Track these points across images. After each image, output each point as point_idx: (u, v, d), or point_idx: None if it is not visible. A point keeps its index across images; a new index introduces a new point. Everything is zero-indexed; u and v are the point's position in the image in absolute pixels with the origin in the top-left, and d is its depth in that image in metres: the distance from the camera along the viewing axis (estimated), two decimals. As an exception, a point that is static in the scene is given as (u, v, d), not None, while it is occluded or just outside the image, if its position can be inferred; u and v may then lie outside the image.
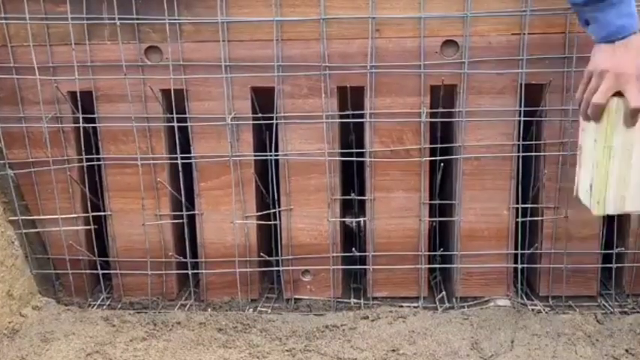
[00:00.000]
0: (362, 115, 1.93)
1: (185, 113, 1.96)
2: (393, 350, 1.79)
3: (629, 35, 1.55)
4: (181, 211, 2.03)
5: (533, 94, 1.90)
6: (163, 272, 2.07)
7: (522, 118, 1.89)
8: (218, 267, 2.05)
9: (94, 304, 2.10)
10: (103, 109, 1.97)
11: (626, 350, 1.77)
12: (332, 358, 1.78)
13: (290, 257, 2.04)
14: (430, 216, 2.02)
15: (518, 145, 1.91)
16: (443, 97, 1.89)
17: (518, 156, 1.92)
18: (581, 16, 1.62)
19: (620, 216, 1.86)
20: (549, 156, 1.93)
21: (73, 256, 2.07)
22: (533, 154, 1.95)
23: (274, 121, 1.95)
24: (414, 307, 2.01)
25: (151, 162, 1.99)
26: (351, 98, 1.91)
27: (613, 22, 1.55)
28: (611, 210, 1.63)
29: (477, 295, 2.04)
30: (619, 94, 1.56)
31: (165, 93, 1.96)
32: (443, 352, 1.78)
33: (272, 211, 2.02)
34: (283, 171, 1.98)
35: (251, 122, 1.96)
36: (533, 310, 1.98)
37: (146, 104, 1.96)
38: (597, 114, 1.58)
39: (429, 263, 2.06)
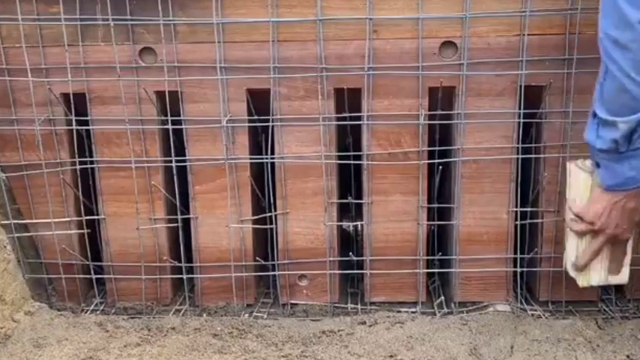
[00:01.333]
0: (359, 118, 1.91)
1: (180, 115, 1.94)
2: (391, 356, 1.77)
3: (637, 188, 1.58)
4: (176, 214, 2.01)
5: (532, 96, 1.88)
6: (158, 277, 2.05)
7: (522, 120, 1.88)
8: (213, 271, 2.03)
9: (88, 310, 2.08)
10: (97, 111, 1.95)
11: (628, 356, 1.75)
12: (329, 364, 1.76)
13: (286, 262, 2.02)
14: (428, 220, 2.00)
15: (518, 147, 1.89)
16: (441, 99, 1.88)
17: (518, 159, 1.90)
18: (594, 157, 1.63)
19: None
20: (549, 159, 1.91)
21: (66, 260, 2.05)
22: (532, 156, 1.93)
23: (270, 124, 1.93)
24: (412, 312, 2.00)
25: (145, 165, 1.97)
26: (348, 100, 1.89)
27: (624, 173, 1.57)
28: (595, 282, 1.78)
29: (476, 300, 2.02)
30: None
31: (160, 95, 1.94)
32: (441, 358, 1.76)
33: (268, 214, 2.00)
34: (279, 174, 1.96)
35: (247, 125, 1.94)
36: (533, 315, 1.96)
37: (140, 106, 1.94)
38: (581, 268, 1.75)
39: (428, 268, 2.03)
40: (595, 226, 1.66)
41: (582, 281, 1.78)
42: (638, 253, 1.90)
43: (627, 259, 1.75)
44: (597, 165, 1.62)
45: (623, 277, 1.79)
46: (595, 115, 1.57)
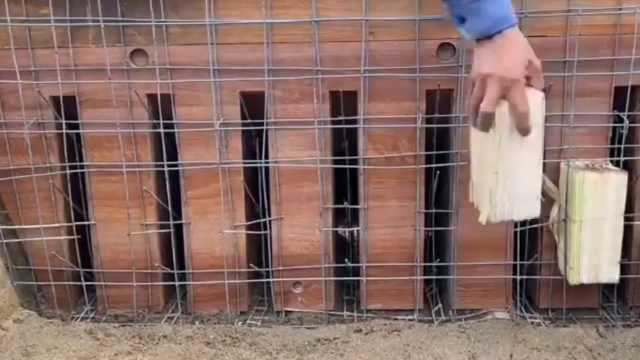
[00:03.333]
0: (355, 121, 1.89)
1: (172, 119, 1.92)
2: (388, 365, 1.75)
3: (509, 28, 1.48)
4: (168, 220, 1.98)
5: None
6: (149, 284, 2.02)
7: None
8: (206, 278, 2.01)
9: (78, 317, 2.05)
10: (87, 114, 1.92)
11: (629, 365, 1.73)
12: (324, 373, 1.73)
13: (280, 268, 1.99)
14: (426, 225, 1.97)
15: None
16: (439, 102, 1.85)
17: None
18: (456, 11, 1.52)
19: (624, 227, 1.82)
20: (549, 163, 1.88)
21: (56, 267, 2.02)
22: None
23: (264, 127, 1.90)
24: (409, 319, 1.97)
25: (137, 169, 1.94)
26: (344, 103, 1.87)
27: (494, 12, 1.47)
28: (585, 279, 1.81)
29: (475, 307, 1.99)
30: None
31: (152, 98, 1.91)
32: (439, 367, 1.73)
33: (262, 220, 1.98)
34: (273, 179, 1.94)
35: (240, 128, 1.92)
36: (532, 323, 1.94)
37: (131, 109, 1.91)
38: (487, 124, 1.53)
39: (425, 274, 2.01)
40: (482, 73, 1.51)
41: (572, 277, 1.81)
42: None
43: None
44: (462, 20, 1.52)
45: (614, 276, 1.82)
46: None
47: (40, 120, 1.93)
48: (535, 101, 1.52)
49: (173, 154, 1.94)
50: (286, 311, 2.03)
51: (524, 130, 1.51)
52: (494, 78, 1.49)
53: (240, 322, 2.00)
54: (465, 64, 1.81)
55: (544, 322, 1.95)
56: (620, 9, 1.78)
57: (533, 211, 1.62)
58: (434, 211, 1.98)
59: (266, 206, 1.96)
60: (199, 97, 1.89)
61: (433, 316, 2.00)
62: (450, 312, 2.00)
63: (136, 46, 1.88)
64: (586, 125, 1.85)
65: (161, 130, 1.91)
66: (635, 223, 1.91)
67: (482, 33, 1.50)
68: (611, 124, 1.86)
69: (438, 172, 1.89)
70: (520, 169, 1.57)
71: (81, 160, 1.96)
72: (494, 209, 1.60)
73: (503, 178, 1.56)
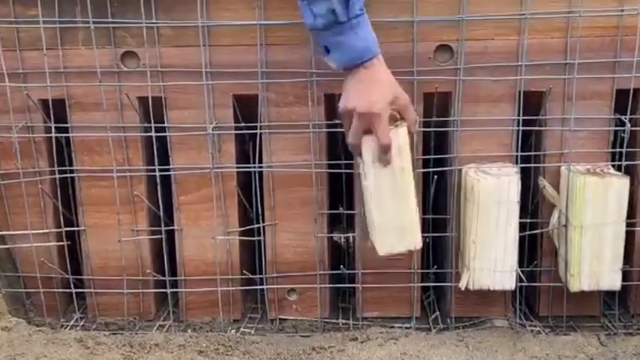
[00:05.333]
0: None
1: (163, 122, 1.89)
2: (384, 374, 1.72)
3: (372, 59, 1.58)
4: (159, 226, 1.96)
5: (532, 102, 1.84)
6: (140, 291, 1.99)
7: (521, 128, 1.83)
8: (198, 285, 1.98)
9: (67, 325, 2.02)
10: (77, 117, 1.89)
11: (631, 374, 1.70)
12: (319, 383, 1.71)
13: (275, 275, 1.96)
14: (423, 231, 1.90)
15: (516, 156, 1.84)
16: (436, 105, 1.83)
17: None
18: (320, 42, 1.60)
19: (626, 233, 1.80)
20: (549, 167, 1.86)
21: (45, 273, 1.99)
22: (532, 165, 1.89)
23: (258, 131, 1.88)
24: (406, 327, 1.95)
25: (128, 174, 1.92)
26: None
27: (355, 45, 1.55)
28: (586, 287, 1.79)
29: (473, 315, 1.97)
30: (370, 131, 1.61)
31: (143, 101, 1.88)
32: (437, 377, 1.71)
33: (255, 226, 1.95)
34: (267, 184, 1.91)
35: (233, 132, 1.89)
36: (532, 331, 1.92)
37: (122, 113, 1.88)
38: (357, 152, 1.66)
39: (422, 281, 1.98)
40: (347, 107, 1.61)
41: (572, 284, 1.79)
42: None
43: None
44: (327, 51, 1.59)
45: (615, 283, 1.80)
46: None
47: (28, 123, 1.90)
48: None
49: (165, 159, 1.92)
50: (280, 319, 2.00)
51: (385, 161, 1.62)
52: (357, 113, 1.59)
53: (233, 331, 1.98)
54: (464, 66, 1.80)
55: (544, 331, 1.92)
56: (621, 10, 1.75)
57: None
58: (431, 216, 1.95)
59: (260, 212, 1.94)
60: (191, 100, 1.87)
61: (431, 324, 1.98)
62: (448, 320, 1.98)
63: (126, 48, 1.85)
64: (587, 129, 1.82)
65: (152, 133, 1.88)
66: (637, 228, 1.89)
67: (345, 64, 1.59)
68: (613, 128, 1.83)
69: (435, 176, 1.86)
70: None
71: (70, 164, 1.93)
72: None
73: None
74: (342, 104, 1.63)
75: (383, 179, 1.65)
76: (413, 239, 1.70)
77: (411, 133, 1.67)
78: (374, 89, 1.58)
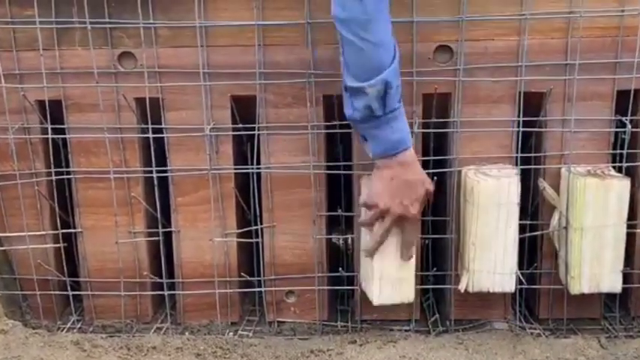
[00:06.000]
0: (349, 126, 1.84)
1: (161, 123, 1.88)
2: (383, 377, 1.72)
3: (405, 151, 1.64)
4: (157, 228, 1.95)
5: (532, 103, 1.83)
6: (138, 293, 1.99)
7: (521, 129, 1.82)
8: (196, 288, 1.97)
9: (64, 328, 2.01)
10: (74, 119, 1.88)
11: (632, 377, 1.70)
12: (317, 385, 1.71)
13: (273, 277, 1.95)
14: (422, 233, 1.93)
15: (516, 157, 1.83)
16: (436, 106, 1.82)
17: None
18: (359, 131, 1.67)
19: (627, 235, 1.79)
20: (550, 169, 1.85)
21: (42, 276, 1.98)
22: (532, 167, 1.88)
23: (256, 132, 1.87)
24: (405, 330, 1.95)
25: (125, 175, 1.91)
26: (337, 107, 1.82)
27: (390, 137, 1.62)
28: (587, 289, 1.79)
29: (473, 317, 1.96)
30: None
31: (140, 102, 1.88)
32: (436, 380, 1.71)
33: (254, 228, 1.94)
34: (265, 185, 1.90)
35: (231, 133, 1.88)
36: (532, 333, 1.91)
37: (119, 114, 1.87)
38: (372, 253, 1.74)
39: (422, 284, 1.97)
40: (380, 207, 1.67)
41: (573, 287, 1.79)
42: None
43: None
44: (365, 139, 1.66)
45: (616, 286, 1.79)
46: (346, 87, 1.61)
47: (25, 125, 1.89)
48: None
49: (162, 160, 1.91)
50: (279, 322, 2.00)
51: (407, 257, 1.74)
52: (391, 214, 1.66)
53: (231, 333, 1.97)
54: (463, 67, 1.79)
55: (544, 333, 1.92)
56: (622, 11, 1.74)
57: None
58: (430, 218, 1.95)
59: (258, 213, 1.92)
60: (189, 101, 1.86)
61: (430, 326, 1.97)
62: (448, 322, 1.97)
63: (123, 49, 1.84)
64: (587, 130, 1.82)
65: (150, 135, 1.87)
66: (638, 230, 1.88)
67: (379, 155, 1.65)
68: (614, 129, 1.83)
69: (435, 178, 1.84)
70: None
71: (67, 166, 1.92)
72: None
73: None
74: (371, 199, 1.68)
75: (390, 237, 1.72)
76: (408, 293, 1.80)
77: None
78: (408, 191, 1.65)
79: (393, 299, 1.79)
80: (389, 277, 1.77)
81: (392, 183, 1.64)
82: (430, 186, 1.69)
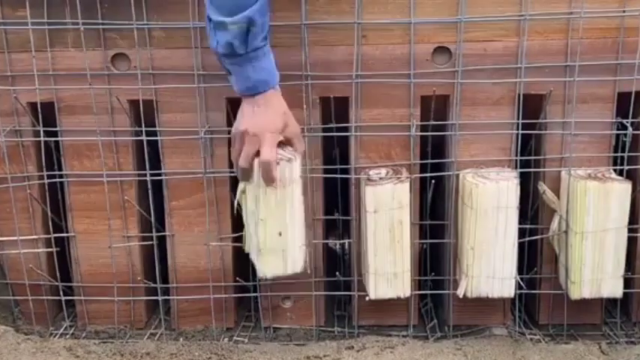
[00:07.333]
0: (347, 129, 1.84)
1: (155, 126, 1.86)
2: (380, 384, 1.70)
3: (268, 90, 1.61)
4: (151, 232, 1.93)
5: (532, 105, 1.81)
6: (131, 298, 1.97)
7: (520, 132, 1.80)
8: (191, 293, 1.95)
9: (57, 333, 2.00)
10: (66, 121, 1.87)
11: (633, 384, 1.68)
12: (313, 392, 1.69)
13: (269, 282, 1.92)
14: (420, 237, 1.92)
15: (516, 160, 1.82)
16: (434, 108, 1.80)
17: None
18: (223, 66, 1.63)
19: (628, 239, 1.78)
20: (550, 172, 1.84)
21: (34, 281, 1.96)
22: (532, 170, 1.86)
23: (251, 135, 1.84)
24: (403, 336, 1.93)
25: (118, 179, 1.89)
26: (334, 110, 1.81)
27: (251, 76, 1.59)
28: (587, 294, 1.78)
29: (472, 323, 1.95)
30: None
31: (134, 104, 1.85)
32: (434, 386, 1.69)
33: (249, 232, 1.91)
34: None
35: (226, 136, 1.85)
36: (532, 339, 1.90)
37: (113, 116, 1.85)
38: (247, 176, 1.65)
39: (420, 289, 1.95)
40: (239, 130, 1.63)
41: (573, 292, 1.78)
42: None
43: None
44: (229, 73, 1.62)
45: (617, 291, 1.78)
46: (209, 18, 1.55)
47: (17, 127, 1.88)
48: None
49: (156, 163, 1.89)
50: (274, 327, 1.99)
51: (268, 181, 1.61)
52: (249, 135, 1.60)
53: (226, 339, 1.97)
54: (462, 68, 1.77)
55: (544, 339, 1.91)
56: (623, 11, 1.73)
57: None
58: (428, 222, 1.93)
59: (253, 217, 1.90)
60: (183, 104, 1.84)
61: (428, 332, 1.96)
62: (446, 328, 1.96)
63: (117, 50, 1.82)
64: (588, 132, 1.80)
65: (144, 137, 1.86)
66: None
67: (242, 92, 1.62)
68: (614, 132, 1.81)
69: (433, 181, 1.84)
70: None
71: (60, 169, 1.91)
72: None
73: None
74: (234, 127, 1.65)
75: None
76: (404, 288, 1.81)
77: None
78: (267, 114, 1.61)
79: (389, 294, 1.79)
80: (384, 271, 1.77)
81: (251, 109, 1.62)
82: (296, 129, 1.69)
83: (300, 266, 1.72)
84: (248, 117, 1.61)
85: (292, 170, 1.64)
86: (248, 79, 1.59)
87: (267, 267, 1.71)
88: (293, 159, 1.64)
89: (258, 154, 1.60)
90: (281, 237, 1.68)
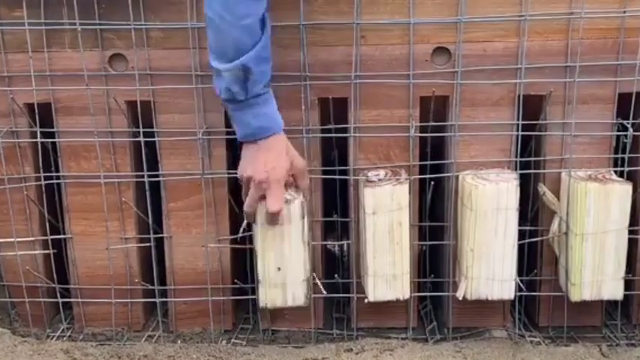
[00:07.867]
0: (345, 130, 1.83)
1: (152, 127, 1.85)
2: (379, 387, 1.69)
3: (269, 137, 1.62)
4: (148, 233, 1.92)
5: (532, 106, 1.80)
6: (129, 300, 1.96)
7: (520, 133, 1.79)
8: (188, 295, 1.95)
9: (54, 336, 1.99)
10: (63, 122, 1.86)
11: (634, 386, 1.68)
12: (312, 395, 1.68)
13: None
14: (419, 239, 1.91)
15: (516, 161, 1.81)
16: (434, 109, 1.79)
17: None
18: (227, 111, 1.67)
19: (628, 241, 1.78)
20: (550, 174, 1.83)
21: (31, 283, 1.96)
22: (532, 171, 1.85)
23: (250, 136, 1.83)
24: (402, 338, 1.92)
25: (116, 180, 1.88)
26: (333, 111, 1.81)
27: (251, 123, 1.60)
28: (587, 296, 1.78)
29: (471, 325, 1.95)
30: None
31: (131, 105, 1.85)
32: (434, 389, 1.69)
33: (247, 233, 1.88)
34: (260, 190, 1.87)
35: (224, 137, 1.85)
36: (532, 342, 1.89)
37: (110, 117, 1.85)
38: (251, 218, 1.71)
39: (419, 291, 1.95)
40: (244, 177, 1.66)
41: (574, 293, 1.77)
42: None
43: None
44: (232, 118, 1.65)
45: (617, 293, 1.78)
46: (210, 65, 1.59)
47: (13, 128, 1.87)
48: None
49: (154, 165, 1.88)
50: (273, 330, 1.98)
51: (271, 223, 1.68)
52: (255, 182, 1.63)
53: (224, 341, 1.95)
54: (461, 69, 1.76)
55: (544, 341, 1.90)
56: (624, 11, 1.72)
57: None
58: (428, 224, 1.93)
59: (252, 219, 1.89)
60: (181, 104, 1.83)
61: (427, 334, 1.96)
62: (445, 330, 1.95)
63: (114, 51, 1.81)
64: (588, 134, 1.79)
65: (141, 138, 1.85)
66: (640, 240, 1.86)
67: (243, 138, 1.64)
68: (615, 133, 1.80)
69: (432, 182, 1.83)
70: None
71: (57, 170, 1.90)
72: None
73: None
74: (239, 169, 1.67)
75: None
76: (403, 290, 1.81)
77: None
78: (271, 158, 1.62)
79: (388, 296, 1.79)
80: (383, 273, 1.77)
81: (255, 153, 1.62)
82: (301, 164, 1.71)
83: (302, 301, 1.77)
84: (251, 161, 1.63)
85: (290, 210, 1.69)
86: (249, 125, 1.60)
87: (267, 298, 1.77)
88: (291, 200, 1.69)
89: (262, 197, 1.64)
90: (280, 272, 1.73)
